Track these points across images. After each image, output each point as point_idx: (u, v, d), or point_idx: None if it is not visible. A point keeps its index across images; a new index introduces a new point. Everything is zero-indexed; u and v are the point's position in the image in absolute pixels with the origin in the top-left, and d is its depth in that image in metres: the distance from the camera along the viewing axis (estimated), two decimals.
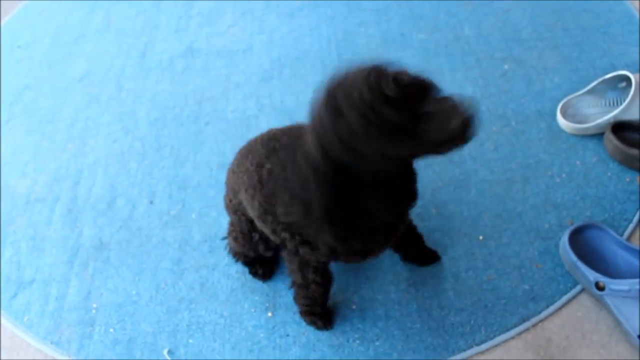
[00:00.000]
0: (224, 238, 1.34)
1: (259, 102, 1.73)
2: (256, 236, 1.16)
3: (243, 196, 1.08)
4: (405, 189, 0.93)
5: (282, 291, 1.29)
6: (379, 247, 1.02)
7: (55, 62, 2.00)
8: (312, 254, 1.00)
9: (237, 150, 1.48)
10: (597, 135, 1.50)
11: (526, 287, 1.25)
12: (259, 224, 1.08)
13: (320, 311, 1.21)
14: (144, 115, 1.75)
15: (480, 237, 1.33)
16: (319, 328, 1.23)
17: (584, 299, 1.23)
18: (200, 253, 1.39)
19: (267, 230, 1.06)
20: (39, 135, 1.75)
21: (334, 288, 1.21)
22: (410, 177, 0.94)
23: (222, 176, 1.50)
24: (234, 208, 1.17)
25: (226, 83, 1.81)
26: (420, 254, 1.29)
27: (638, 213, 1.35)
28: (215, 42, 1.97)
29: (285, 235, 1.00)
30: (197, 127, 1.68)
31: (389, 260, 1.31)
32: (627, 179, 1.42)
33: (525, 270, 1.28)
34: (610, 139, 1.44)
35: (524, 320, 1.21)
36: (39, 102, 1.86)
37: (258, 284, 1.31)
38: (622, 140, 1.43)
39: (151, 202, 1.51)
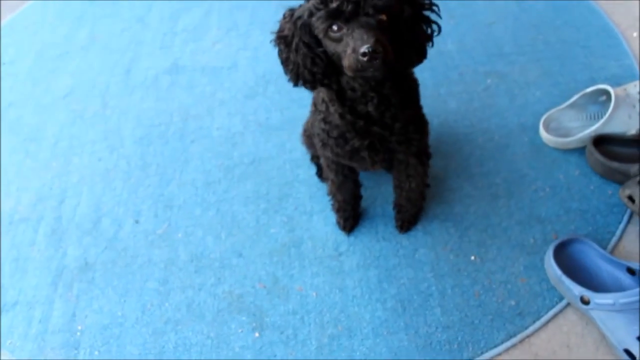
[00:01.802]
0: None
1: (245, 119, 1.73)
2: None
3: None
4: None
5: (269, 311, 1.29)
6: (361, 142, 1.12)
7: (39, 79, 2.00)
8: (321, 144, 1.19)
9: (222, 166, 1.49)
10: (579, 149, 1.51)
11: (512, 302, 1.26)
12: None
13: (338, 208, 1.39)
14: (129, 133, 1.74)
15: (472, 257, 1.34)
16: (339, 226, 1.42)
17: (570, 313, 1.24)
18: (186, 273, 1.38)
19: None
20: (23, 153, 1.74)
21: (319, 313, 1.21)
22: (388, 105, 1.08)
23: (208, 195, 1.53)
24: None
25: (211, 100, 1.81)
26: (402, 212, 1.39)
27: (621, 226, 1.37)
28: (200, 59, 1.97)
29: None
30: (182, 145, 1.68)
31: (374, 279, 1.31)
32: (609, 192, 1.43)
33: (512, 286, 1.28)
34: (592, 152, 1.45)
35: (510, 337, 1.21)
36: (23, 119, 1.85)
37: (244, 303, 1.31)
38: (604, 153, 1.44)
39: (137, 222, 1.51)
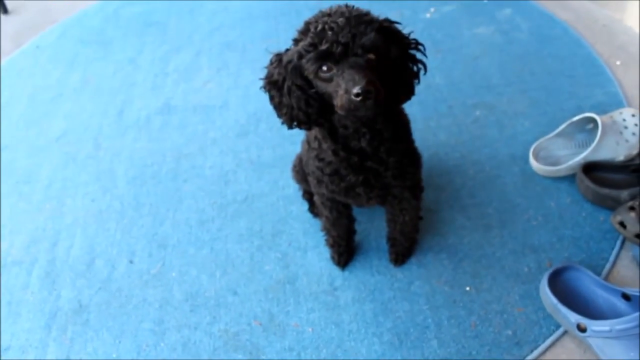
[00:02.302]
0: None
1: (237, 157, 1.74)
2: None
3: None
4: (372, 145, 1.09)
5: (265, 348, 1.28)
6: (356, 180, 1.13)
7: (32, 122, 2.01)
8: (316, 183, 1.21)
9: (215, 205, 1.49)
10: (570, 177, 1.53)
11: (509, 332, 1.25)
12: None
13: (332, 243, 1.40)
14: (122, 174, 1.75)
15: (467, 288, 1.33)
16: (333, 261, 1.42)
17: (568, 341, 1.23)
18: (181, 312, 1.37)
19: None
20: (16, 196, 1.74)
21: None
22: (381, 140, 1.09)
23: (202, 233, 1.52)
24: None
25: (203, 139, 1.82)
26: (396, 245, 1.39)
27: (614, 252, 1.37)
28: (191, 99, 1.99)
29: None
30: (175, 185, 1.68)
31: (370, 313, 1.31)
32: (601, 219, 1.44)
33: (508, 315, 1.28)
34: (582, 179, 1.47)
35: None
36: (16, 162, 1.86)
37: (240, 341, 1.30)
38: (594, 180, 1.46)
39: (131, 262, 1.50)
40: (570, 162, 1.51)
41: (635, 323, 1.09)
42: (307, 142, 1.19)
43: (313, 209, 1.53)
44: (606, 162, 1.50)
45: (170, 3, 2.52)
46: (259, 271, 1.43)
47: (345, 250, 1.41)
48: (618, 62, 1.89)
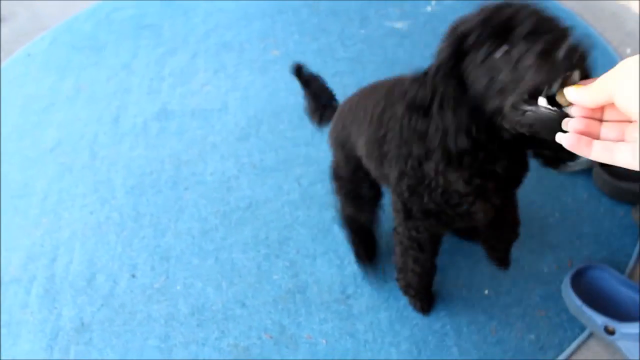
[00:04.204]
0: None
1: (238, 161, 1.68)
2: (361, 173, 1.18)
3: (354, 131, 1.12)
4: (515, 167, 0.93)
5: None
6: (482, 206, 0.96)
7: (25, 133, 1.94)
8: (418, 204, 0.99)
9: (218, 213, 1.44)
10: (586, 171, 1.48)
11: (532, 336, 1.20)
12: (365, 160, 1.11)
13: (414, 294, 1.23)
14: (120, 184, 1.69)
15: (486, 292, 1.28)
16: (416, 309, 1.26)
17: (594, 344, 1.18)
18: (188, 327, 1.32)
19: (372, 166, 1.09)
20: (11, 211, 1.68)
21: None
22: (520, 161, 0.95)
23: (206, 243, 1.46)
24: (341, 142, 1.20)
25: (203, 144, 1.76)
26: (500, 247, 1.26)
27: (636, 248, 1.32)
28: (189, 102, 1.93)
29: (395, 169, 0.98)
30: (176, 193, 1.62)
31: (386, 321, 1.25)
32: (621, 213, 1.39)
33: (530, 319, 1.23)
34: (599, 173, 1.42)
35: None
36: (10, 175, 1.79)
37: (251, 356, 1.24)
38: (612, 173, 1.40)
39: (133, 276, 1.44)
40: None
41: None
42: (415, 180, 0.95)
43: (365, 257, 1.34)
44: None
45: (163, 5, 2.45)
46: (267, 281, 1.37)
47: (426, 295, 1.26)
48: (628, 50, 1.83)
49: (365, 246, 1.35)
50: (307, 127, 1.74)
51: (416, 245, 1.10)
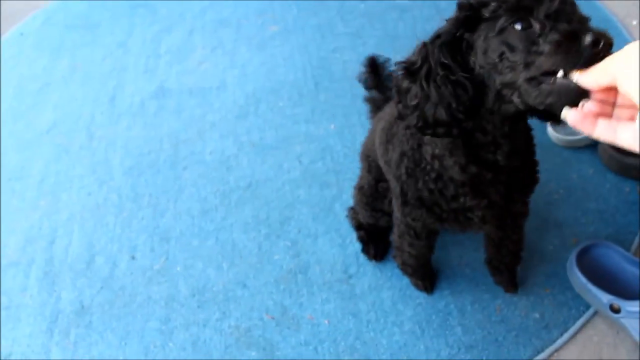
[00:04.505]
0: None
1: (237, 140, 1.65)
2: (383, 186, 1.18)
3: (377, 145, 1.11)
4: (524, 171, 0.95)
5: (279, 344, 1.21)
6: (478, 206, 0.94)
7: (20, 114, 1.91)
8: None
9: (218, 192, 1.41)
10: (591, 146, 1.45)
11: (537, 315, 1.18)
12: (384, 169, 1.09)
13: (411, 272, 1.23)
14: (118, 164, 1.66)
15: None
16: (419, 289, 1.25)
17: (599, 322, 1.17)
18: (188, 309, 1.30)
19: (380, 153, 1.08)
20: (8, 194, 1.65)
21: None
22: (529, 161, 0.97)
23: (206, 224, 1.45)
24: (368, 154, 1.20)
25: (201, 123, 1.73)
26: (503, 270, 1.21)
27: None
28: (186, 81, 1.90)
29: (397, 151, 0.98)
30: (174, 173, 1.60)
31: (389, 301, 1.24)
32: (627, 189, 1.37)
33: (534, 297, 1.21)
34: (605, 148, 1.39)
35: (538, 352, 1.14)
36: (6, 158, 1.77)
37: (253, 337, 1.23)
38: (617, 149, 1.38)
39: (132, 258, 1.43)
40: None
41: None
42: (413, 163, 0.95)
43: (369, 250, 1.32)
44: None
45: None
46: (268, 261, 1.36)
47: (427, 274, 1.25)
48: (634, 22, 1.79)
49: (376, 246, 1.32)
50: (307, 104, 1.72)
51: (412, 233, 1.09)
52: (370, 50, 1.85)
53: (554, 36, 0.63)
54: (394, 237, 1.18)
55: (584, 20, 0.67)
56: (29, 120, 1.88)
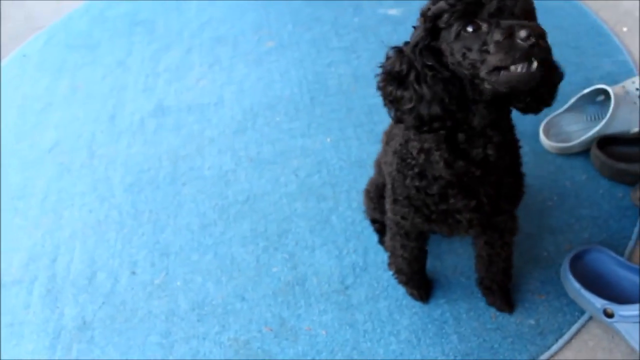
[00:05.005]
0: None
1: (235, 155, 1.68)
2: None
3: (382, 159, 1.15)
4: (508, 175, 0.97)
5: (277, 355, 1.23)
6: (460, 210, 0.96)
7: (23, 134, 1.95)
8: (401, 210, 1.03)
9: (217, 207, 1.43)
10: (584, 153, 1.47)
11: (532, 321, 1.20)
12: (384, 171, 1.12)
13: (406, 280, 1.25)
14: (119, 181, 1.69)
15: None
16: (414, 299, 1.27)
17: (594, 327, 1.18)
18: (188, 323, 1.32)
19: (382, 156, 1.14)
20: (11, 212, 1.68)
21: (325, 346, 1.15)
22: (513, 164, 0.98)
23: (205, 238, 1.47)
24: (379, 163, 1.23)
25: (200, 139, 1.76)
26: (495, 289, 1.22)
27: (635, 229, 1.31)
28: (185, 98, 1.93)
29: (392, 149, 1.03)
30: (174, 189, 1.62)
31: (385, 311, 1.25)
32: (620, 195, 1.38)
33: (529, 304, 1.22)
34: (597, 155, 1.41)
35: (533, 358, 1.15)
36: (8, 177, 1.79)
37: (252, 349, 1.25)
38: (609, 155, 1.40)
39: (133, 273, 1.45)
40: (583, 138, 1.45)
41: None
42: (400, 158, 0.98)
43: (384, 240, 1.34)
44: (621, 134, 1.44)
45: (156, 0, 2.44)
46: (266, 274, 1.38)
47: (422, 282, 1.27)
48: (625, 29, 1.82)
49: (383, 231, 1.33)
50: (303, 118, 1.74)
51: (403, 233, 1.11)
52: (364, 63, 1.89)
53: (496, 36, 0.71)
54: (386, 241, 1.21)
55: (526, 12, 0.74)
56: (32, 140, 1.91)
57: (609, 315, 1.11)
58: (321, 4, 2.20)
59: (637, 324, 1.08)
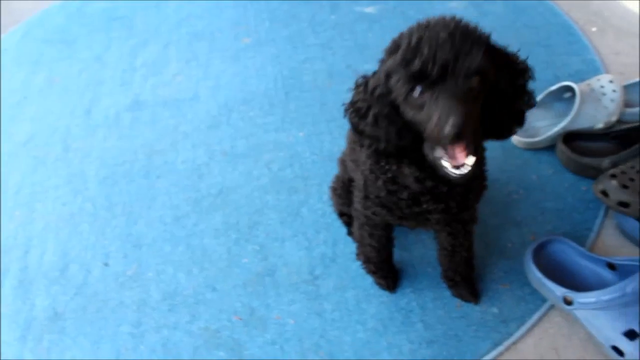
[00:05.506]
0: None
1: (209, 149, 1.69)
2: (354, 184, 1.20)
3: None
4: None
5: (247, 343, 1.24)
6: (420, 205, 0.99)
7: None
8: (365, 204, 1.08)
9: (190, 200, 1.44)
10: (550, 148, 1.50)
11: (495, 310, 1.22)
12: (350, 167, 1.18)
13: (374, 269, 1.27)
14: (93, 175, 1.70)
15: None
16: (382, 288, 1.29)
17: (554, 315, 1.21)
18: (160, 312, 1.33)
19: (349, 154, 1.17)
20: None
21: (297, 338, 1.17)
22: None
23: (177, 230, 1.48)
24: (344, 158, 1.27)
25: (175, 134, 1.77)
26: (459, 281, 1.25)
27: (597, 221, 1.35)
28: (161, 93, 1.94)
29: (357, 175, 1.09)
30: (148, 182, 1.63)
31: (353, 300, 1.28)
32: (584, 188, 1.41)
33: (493, 293, 1.25)
34: (563, 150, 1.44)
35: (496, 345, 1.17)
36: None
37: (221, 338, 1.26)
38: (574, 149, 1.43)
39: (106, 264, 1.45)
40: (550, 133, 1.48)
41: (621, 292, 1.06)
42: (374, 161, 1.00)
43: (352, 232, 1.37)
44: (586, 130, 1.47)
45: None
46: (237, 265, 1.39)
47: (389, 272, 1.29)
48: (594, 29, 1.86)
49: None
50: (277, 113, 1.76)
51: (371, 223, 1.14)
52: (340, 60, 1.91)
53: (434, 115, 0.74)
54: (354, 231, 1.24)
55: (474, 72, 0.74)
56: (7, 133, 1.91)
57: (569, 302, 1.14)
58: (299, 1, 2.22)
59: (595, 311, 1.11)
